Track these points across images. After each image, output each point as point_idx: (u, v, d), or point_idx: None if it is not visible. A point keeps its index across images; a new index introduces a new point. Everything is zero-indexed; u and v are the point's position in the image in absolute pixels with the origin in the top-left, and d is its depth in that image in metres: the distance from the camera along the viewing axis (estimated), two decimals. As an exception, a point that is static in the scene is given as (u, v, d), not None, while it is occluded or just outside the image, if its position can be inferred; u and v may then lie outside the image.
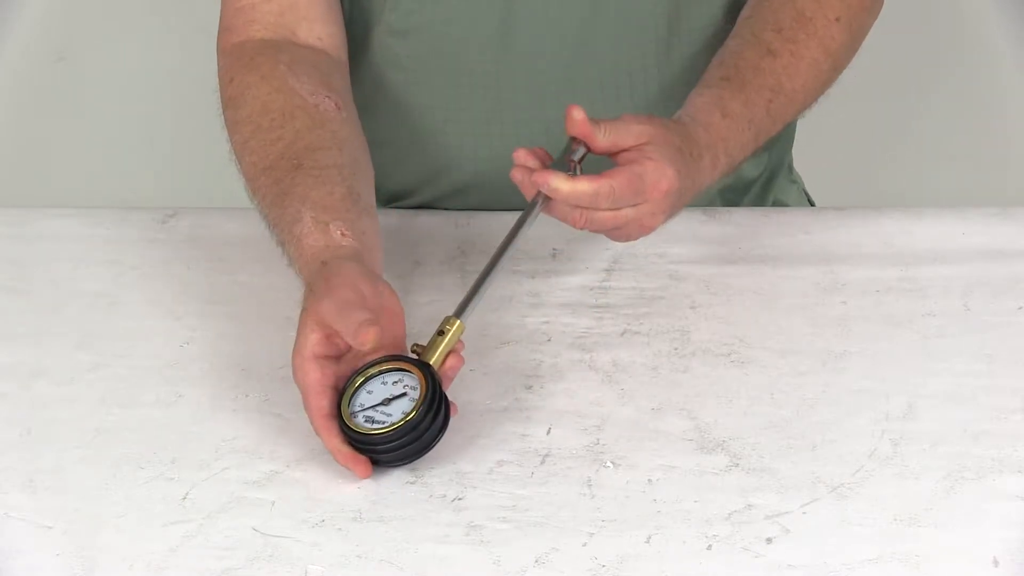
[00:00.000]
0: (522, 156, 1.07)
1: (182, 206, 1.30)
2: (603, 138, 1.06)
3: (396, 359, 1.02)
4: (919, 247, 1.21)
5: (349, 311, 1.00)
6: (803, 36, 1.20)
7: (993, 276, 1.17)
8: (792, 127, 1.40)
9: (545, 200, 1.06)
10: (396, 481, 1.01)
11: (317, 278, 1.04)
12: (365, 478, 1.00)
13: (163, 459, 1.03)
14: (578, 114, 1.06)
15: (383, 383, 1.01)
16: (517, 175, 1.07)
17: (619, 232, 1.09)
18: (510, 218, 1.23)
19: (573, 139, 1.07)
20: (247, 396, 1.09)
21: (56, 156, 2.20)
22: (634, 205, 1.06)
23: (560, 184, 1.04)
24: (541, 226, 1.23)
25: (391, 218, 1.28)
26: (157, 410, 1.08)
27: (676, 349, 1.11)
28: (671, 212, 1.10)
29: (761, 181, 1.38)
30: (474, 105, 1.25)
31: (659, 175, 1.06)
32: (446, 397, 1.01)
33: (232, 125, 1.20)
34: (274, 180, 1.13)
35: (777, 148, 1.38)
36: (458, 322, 1.03)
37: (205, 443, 1.04)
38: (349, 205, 1.10)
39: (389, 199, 1.35)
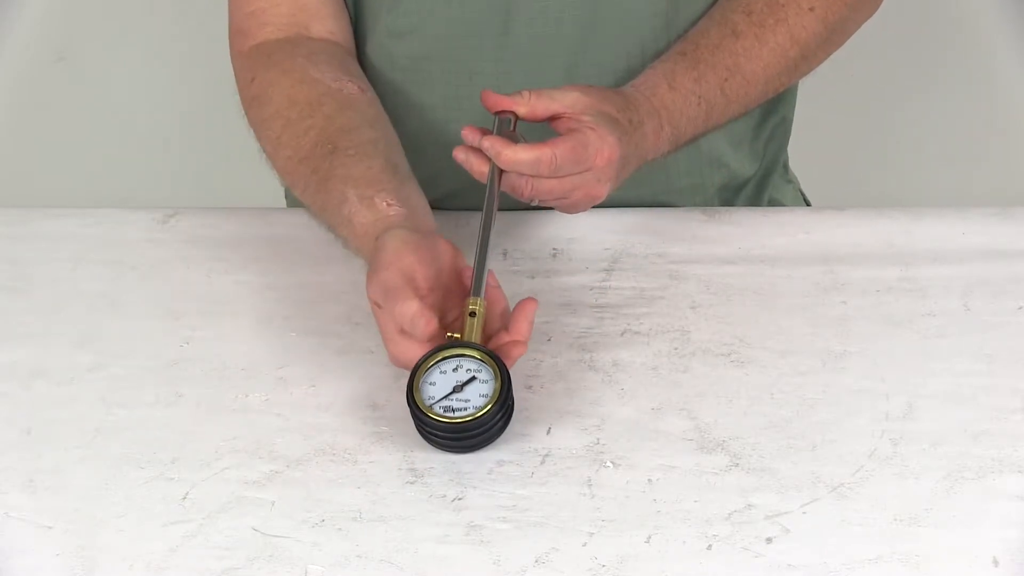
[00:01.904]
0: (469, 134, 1.09)
1: (182, 206, 1.30)
2: (525, 104, 1.10)
3: (455, 346, 1.02)
4: (919, 247, 1.21)
5: (397, 300, 1.01)
6: (771, 21, 1.22)
7: (993, 276, 1.17)
8: (788, 125, 1.40)
9: (501, 171, 1.08)
10: (396, 481, 1.01)
11: (371, 256, 1.06)
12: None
13: (163, 459, 1.03)
14: (490, 96, 1.10)
15: (442, 372, 1.02)
16: (460, 154, 1.10)
17: (567, 202, 1.11)
18: (511, 217, 1.23)
19: (499, 115, 1.10)
20: (247, 396, 1.09)
21: (56, 156, 2.20)
22: (579, 173, 1.08)
23: (503, 148, 1.06)
24: (541, 226, 1.23)
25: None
26: (157, 410, 1.08)
27: (676, 349, 1.11)
28: (616, 180, 1.12)
29: (756, 179, 1.38)
30: (475, 105, 1.25)
31: (601, 143, 1.08)
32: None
33: (260, 123, 1.22)
34: (312, 169, 1.15)
35: (772, 146, 1.38)
36: (481, 300, 1.04)
37: (205, 443, 1.04)
38: (390, 175, 1.13)
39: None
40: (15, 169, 2.19)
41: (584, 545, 0.95)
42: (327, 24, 1.26)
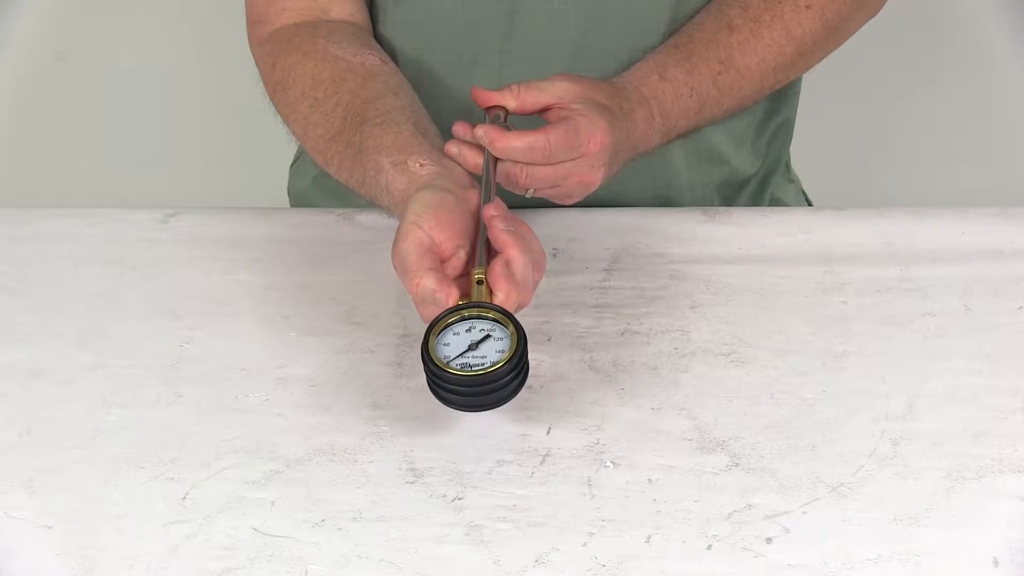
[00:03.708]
0: (459, 129, 1.10)
1: (182, 206, 1.30)
2: (514, 97, 1.11)
3: (475, 307, 1.02)
4: (919, 247, 1.21)
5: (413, 277, 1.01)
6: (767, 17, 1.23)
7: (993, 276, 1.17)
8: (790, 127, 1.41)
9: (495, 159, 1.09)
10: (396, 481, 1.01)
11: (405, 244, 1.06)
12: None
13: (163, 459, 1.03)
14: (480, 93, 1.11)
15: (455, 334, 1.01)
16: (452, 148, 1.10)
17: (562, 190, 1.11)
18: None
19: (490, 110, 1.11)
20: (247, 396, 1.09)
21: (56, 156, 2.20)
22: (573, 160, 1.09)
23: (496, 136, 1.07)
24: (541, 226, 1.23)
25: (392, 218, 1.28)
26: (157, 410, 1.08)
27: (676, 349, 1.11)
28: (610, 167, 1.12)
29: (758, 178, 1.38)
30: None
31: (592, 128, 1.09)
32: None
33: (286, 107, 1.23)
34: (345, 144, 1.16)
35: (774, 145, 1.38)
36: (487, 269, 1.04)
37: (205, 443, 1.05)
38: (419, 139, 1.13)
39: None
40: (15, 169, 2.19)
41: (584, 545, 0.95)
42: (346, 7, 1.27)
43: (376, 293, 1.17)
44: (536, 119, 1.12)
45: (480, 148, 1.09)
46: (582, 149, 1.09)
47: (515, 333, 1.01)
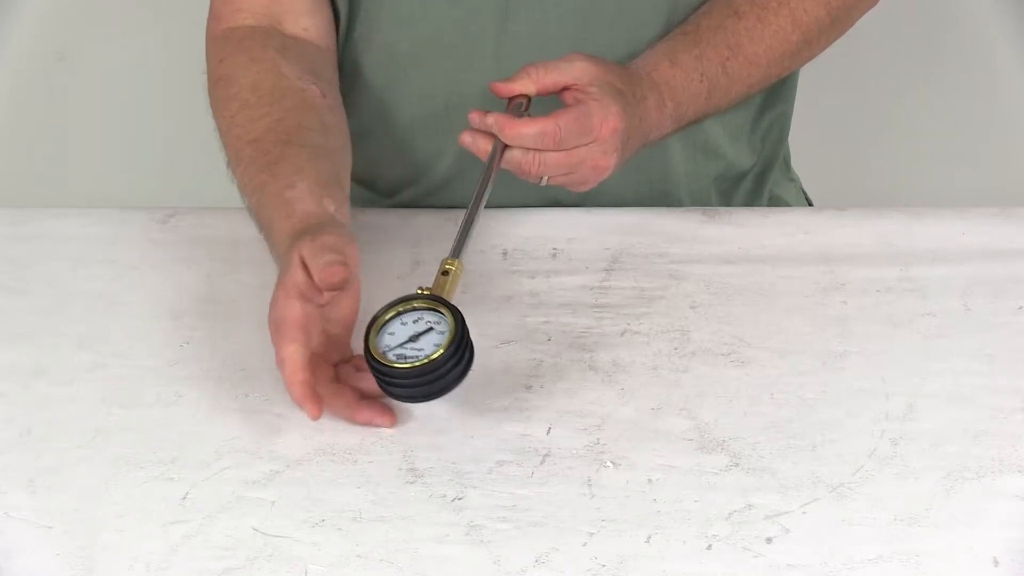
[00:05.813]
0: (475, 118, 1.11)
1: (182, 206, 1.30)
2: (532, 82, 1.12)
3: (418, 299, 1.04)
4: (919, 247, 1.21)
5: (323, 252, 1.02)
6: (774, 4, 1.24)
7: (993, 276, 1.17)
8: (786, 120, 1.41)
9: (503, 148, 1.10)
10: (396, 481, 1.01)
11: (306, 233, 1.05)
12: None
13: (163, 459, 1.03)
14: (499, 87, 1.13)
15: (403, 323, 1.03)
16: (467, 138, 1.11)
17: (575, 176, 1.12)
18: (511, 217, 1.23)
19: (511, 100, 1.13)
20: (247, 396, 1.09)
21: (56, 156, 2.20)
22: (585, 145, 1.09)
23: (507, 123, 1.08)
24: (541, 226, 1.23)
25: (391, 218, 1.28)
26: (157, 410, 1.08)
27: (676, 349, 1.11)
28: (623, 152, 1.13)
29: (755, 172, 1.38)
30: (474, 91, 1.26)
31: (605, 112, 1.10)
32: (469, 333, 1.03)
33: (220, 102, 1.22)
34: (262, 151, 1.15)
35: (770, 139, 1.39)
36: (458, 261, 1.05)
37: (205, 443, 1.04)
38: (337, 188, 1.13)
39: (390, 189, 1.35)
40: (15, 169, 2.19)
41: (584, 545, 0.95)
42: (301, 20, 1.25)
43: (376, 293, 1.16)
44: (553, 102, 1.13)
45: (493, 136, 1.10)
46: (594, 134, 1.09)
47: (453, 323, 1.02)
